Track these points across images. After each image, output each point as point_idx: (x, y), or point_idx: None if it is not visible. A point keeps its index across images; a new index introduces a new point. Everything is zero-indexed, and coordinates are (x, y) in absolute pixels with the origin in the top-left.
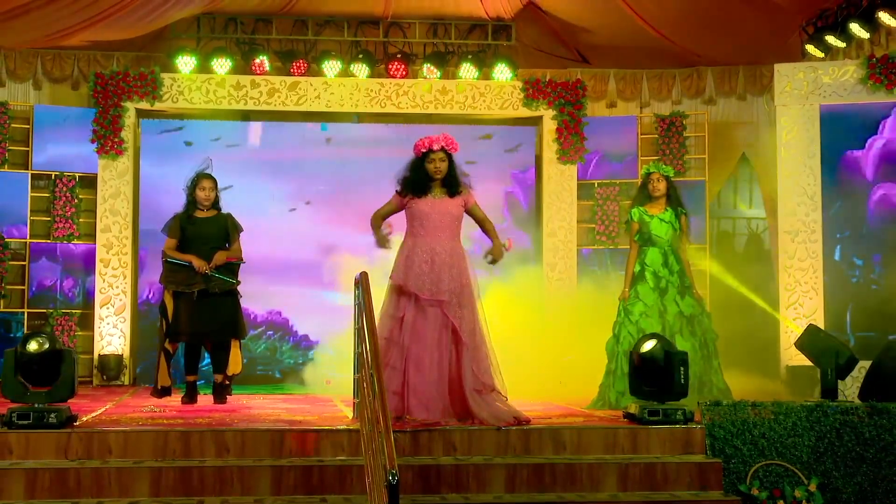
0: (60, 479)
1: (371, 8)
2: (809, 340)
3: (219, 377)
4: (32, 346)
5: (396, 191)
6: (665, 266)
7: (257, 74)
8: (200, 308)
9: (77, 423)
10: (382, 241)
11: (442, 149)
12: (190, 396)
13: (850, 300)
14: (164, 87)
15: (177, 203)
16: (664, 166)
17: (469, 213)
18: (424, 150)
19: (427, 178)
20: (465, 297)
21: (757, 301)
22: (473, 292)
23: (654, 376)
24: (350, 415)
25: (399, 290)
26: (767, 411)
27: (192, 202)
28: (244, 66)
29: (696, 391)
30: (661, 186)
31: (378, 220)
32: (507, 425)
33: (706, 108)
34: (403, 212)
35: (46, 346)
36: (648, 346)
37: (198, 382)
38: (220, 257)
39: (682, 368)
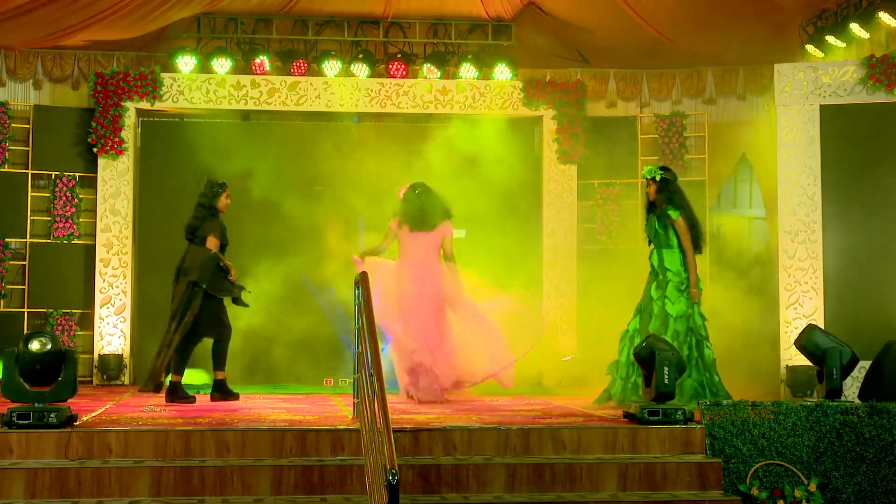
0: (61, 479)
1: (371, 8)
2: (810, 340)
3: (220, 374)
4: (35, 346)
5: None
6: (662, 265)
7: (257, 74)
8: (217, 311)
9: (77, 423)
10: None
11: None
12: (176, 395)
13: None
14: (165, 86)
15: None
16: (648, 168)
17: (441, 244)
18: None
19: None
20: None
21: (757, 300)
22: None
23: (647, 376)
24: (350, 414)
25: None
26: (767, 411)
27: (214, 209)
28: (244, 66)
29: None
30: (650, 190)
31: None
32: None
33: (706, 108)
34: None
35: (49, 346)
36: (639, 346)
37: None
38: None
39: (665, 368)
